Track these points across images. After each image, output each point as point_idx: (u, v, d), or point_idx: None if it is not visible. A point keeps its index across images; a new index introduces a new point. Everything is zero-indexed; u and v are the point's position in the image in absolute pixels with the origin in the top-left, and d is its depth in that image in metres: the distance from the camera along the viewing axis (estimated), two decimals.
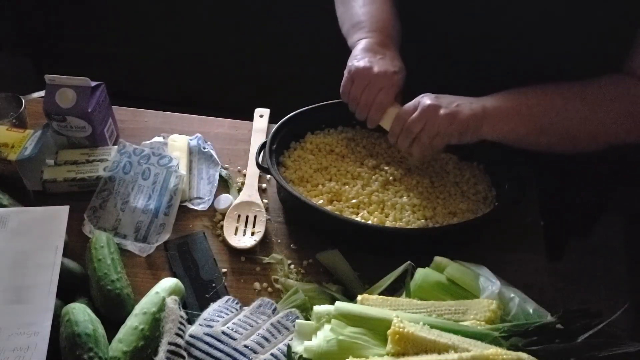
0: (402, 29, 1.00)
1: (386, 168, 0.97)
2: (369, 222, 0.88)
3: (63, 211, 0.86)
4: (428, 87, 0.89)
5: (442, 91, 0.88)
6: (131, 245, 0.91)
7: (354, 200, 0.92)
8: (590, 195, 1.16)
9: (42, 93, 1.03)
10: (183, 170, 0.98)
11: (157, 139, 1.05)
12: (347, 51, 1.00)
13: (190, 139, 1.05)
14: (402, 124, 0.88)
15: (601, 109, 0.86)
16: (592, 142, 0.88)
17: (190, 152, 1.04)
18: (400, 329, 0.64)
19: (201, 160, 1.04)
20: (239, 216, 0.94)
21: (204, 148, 1.05)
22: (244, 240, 0.91)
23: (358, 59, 0.92)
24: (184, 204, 0.97)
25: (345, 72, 0.93)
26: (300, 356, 0.68)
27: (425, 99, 0.87)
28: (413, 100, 0.89)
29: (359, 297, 0.74)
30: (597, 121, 0.86)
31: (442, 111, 0.85)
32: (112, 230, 0.92)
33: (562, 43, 0.88)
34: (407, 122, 0.87)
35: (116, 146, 1.00)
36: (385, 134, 1.03)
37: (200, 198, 0.98)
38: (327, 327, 0.69)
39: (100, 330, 0.73)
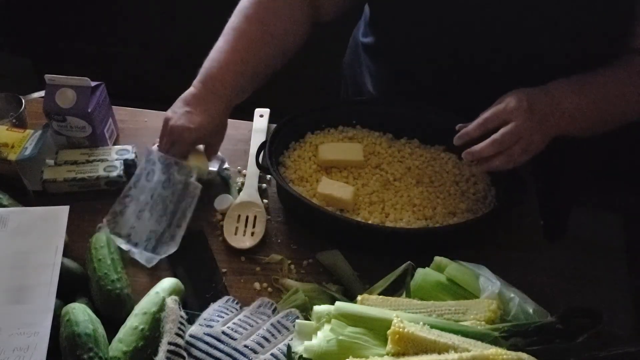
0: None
1: (386, 168, 0.97)
2: (369, 222, 0.88)
3: (63, 211, 0.86)
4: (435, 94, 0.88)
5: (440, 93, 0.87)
6: (139, 255, 0.88)
7: None
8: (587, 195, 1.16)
9: (42, 93, 1.03)
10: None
11: None
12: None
13: None
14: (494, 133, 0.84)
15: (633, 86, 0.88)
16: (623, 121, 0.90)
17: None
18: (400, 329, 0.64)
19: None
20: (239, 216, 0.94)
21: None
22: (244, 240, 0.91)
23: (171, 108, 0.92)
24: None
25: None
26: (300, 356, 0.68)
27: (517, 112, 0.83)
28: (502, 105, 0.85)
29: (359, 297, 0.74)
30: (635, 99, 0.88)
31: (535, 130, 0.83)
32: (126, 237, 0.90)
33: (564, 30, 0.87)
34: (500, 135, 0.83)
35: (118, 147, 1.00)
36: (385, 133, 1.03)
37: None
38: (327, 327, 0.69)
39: (100, 330, 0.73)
